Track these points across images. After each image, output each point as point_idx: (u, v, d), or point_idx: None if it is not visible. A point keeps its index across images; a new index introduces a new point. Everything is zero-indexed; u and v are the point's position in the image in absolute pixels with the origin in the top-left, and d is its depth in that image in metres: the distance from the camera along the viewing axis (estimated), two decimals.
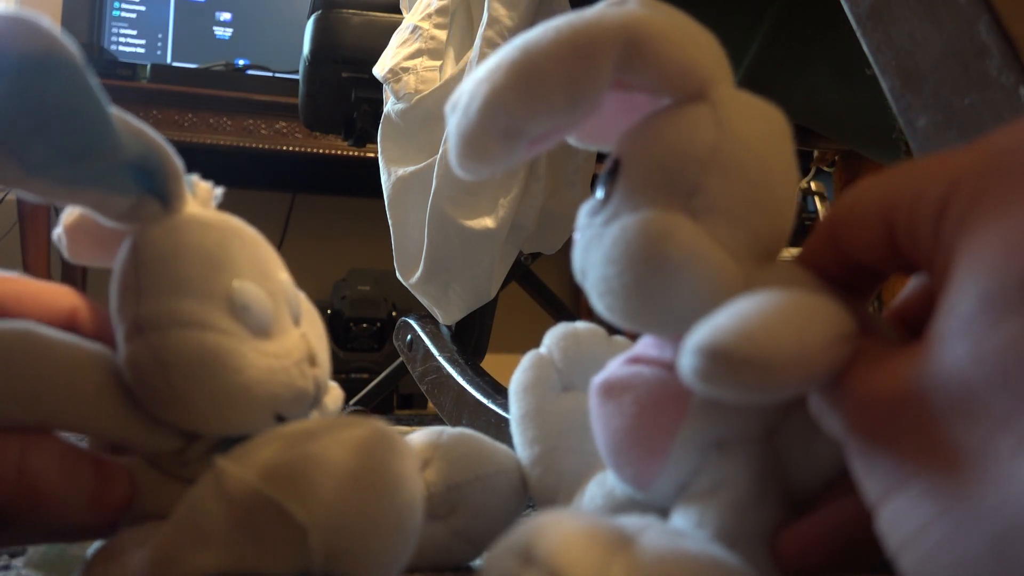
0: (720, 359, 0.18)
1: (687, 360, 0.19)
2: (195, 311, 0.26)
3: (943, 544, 0.16)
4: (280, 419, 0.28)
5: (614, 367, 0.27)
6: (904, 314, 0.24)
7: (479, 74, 0.23)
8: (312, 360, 0.29)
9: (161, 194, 0.27)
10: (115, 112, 0.25)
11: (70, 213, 0.31)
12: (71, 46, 0.23)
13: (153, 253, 0.27)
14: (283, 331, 0.29)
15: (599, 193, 0.26)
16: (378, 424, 0.25)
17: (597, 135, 0.28)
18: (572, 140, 0.28)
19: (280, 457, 0.23)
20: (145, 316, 0.26)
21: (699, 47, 0.25)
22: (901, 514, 0.18)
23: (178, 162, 0.28)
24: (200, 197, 0.30)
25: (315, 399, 0.30)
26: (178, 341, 0.26)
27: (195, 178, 0.30)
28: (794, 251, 0.25)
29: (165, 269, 0.27)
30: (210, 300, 0.27)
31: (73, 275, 1.67)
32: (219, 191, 0.32)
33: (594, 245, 0.25)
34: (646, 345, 0.27)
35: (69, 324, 0.28)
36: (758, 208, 0.24)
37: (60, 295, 0.29)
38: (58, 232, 0.32)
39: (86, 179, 0.25)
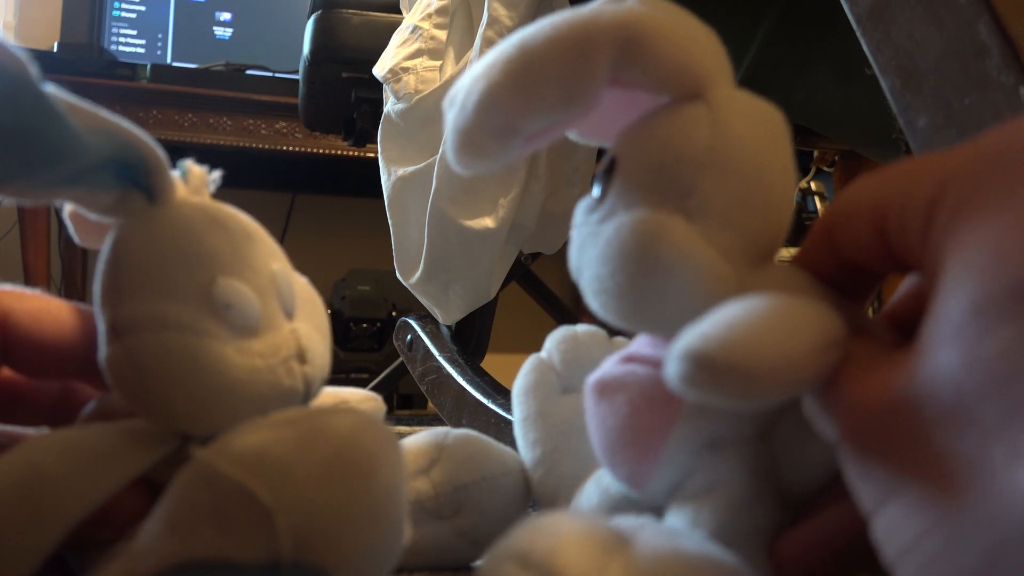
0: (703, 366, 0.18)
1: (672, 366, 0.19)
2: (172, 312, 0.25)
3: (938, 556, 0.16)
4: None
5: (608, 365, 0.27)
6: (899, 315, 0.24)
7: (476, 70, 0.23)
8: (302, 357, 0.28)
9: (145, 187, 0.27)
10: (86, 110, 0.24)
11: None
12: (17, 55, 0.22)
13: (130, 251, 0.26)
14: (271, 327, 0.28)
15: (595, 191, 0.25)
16: (358, 412, 0.24)
17: (597, 131, 0.28)
18: (573, 135, 0.28)
19: (251, 442, 0.23)
20: (122, 318, 0.25)
21: (698, 46, 0.24)
22: (895, 525, 0.17)
23: (161, 155, 0.27)
24: (192, 184, 0.29)
25: (305, 397, 0.29)
26: (154, 344, 0.25)
27: (189, 163, 0.29)
28: (792, 251, 0.25)
29: (141, 269, 0.26)
30: (189, 300, 0.26)
31: (73, 275, 1.67)
32: (216, 175, 0.31)
33: (589, 243, 0.25)
34: (641, 343, 0.27)
35: (88, 344, 0.28)
36: (753, 210, 0.23)
37: (80, 315, 0.29)
38: (66, 215, 0.31)
39: (60, 182, 0.25)
